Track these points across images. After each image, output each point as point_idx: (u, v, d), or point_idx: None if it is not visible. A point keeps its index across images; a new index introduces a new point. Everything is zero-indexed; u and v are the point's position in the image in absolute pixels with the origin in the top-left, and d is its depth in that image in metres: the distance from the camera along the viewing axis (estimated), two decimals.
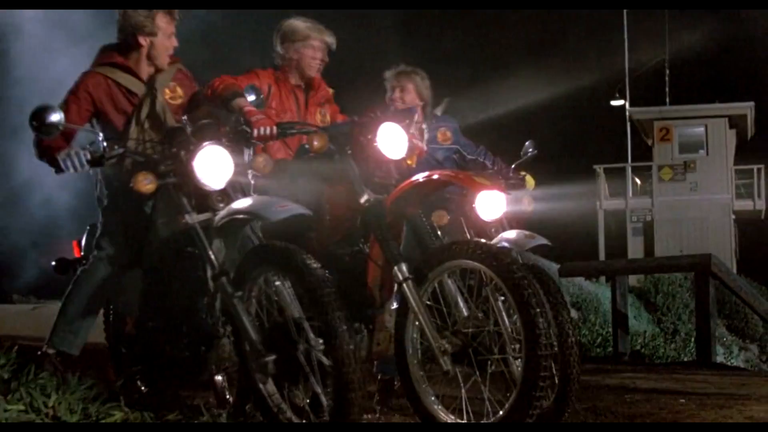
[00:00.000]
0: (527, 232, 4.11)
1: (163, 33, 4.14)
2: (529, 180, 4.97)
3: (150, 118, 4.07)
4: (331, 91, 4.62)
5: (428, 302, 3.41)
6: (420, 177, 3.49)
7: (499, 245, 4.10)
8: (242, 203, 3.33)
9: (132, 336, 3.99)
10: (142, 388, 3.84)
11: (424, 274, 3.41)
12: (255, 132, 3.65)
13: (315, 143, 3.54)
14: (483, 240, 4.31)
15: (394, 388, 4.57)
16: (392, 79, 5.05)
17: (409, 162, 3.86)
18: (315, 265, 3.08)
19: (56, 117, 3.42)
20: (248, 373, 3.28)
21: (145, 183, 3.34)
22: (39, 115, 3.42)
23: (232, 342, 3.36)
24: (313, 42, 4.40)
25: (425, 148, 4.58)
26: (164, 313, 3.66)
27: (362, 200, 3.51)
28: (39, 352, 4.07)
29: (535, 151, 5.00)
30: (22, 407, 2.80)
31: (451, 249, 3.40)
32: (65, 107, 3.98)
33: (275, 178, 3.71)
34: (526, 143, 5.04)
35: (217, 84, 4.08)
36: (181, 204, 3.42)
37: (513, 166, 5.01)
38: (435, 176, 3.47)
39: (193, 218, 3.40)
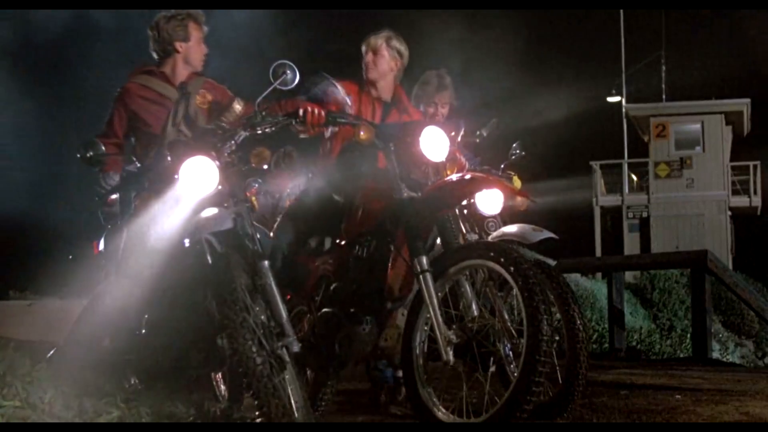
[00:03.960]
0: (533, 226, 4.16)
1: (195, 39, 4.50)
2: (516, 181, 5.02)
3: (185, 120, 4.35)
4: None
5: (441, 306, 3.45)
6: (453, 177, 3.59)
7: (502, 240, 4.15)
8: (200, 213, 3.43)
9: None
10: (138, 384, 3.84)
11: (442, 271, 3.47)
12: (301, 111, 3.73)
13: (362, 134, 3.68)
14: (486, 238, 4.37)
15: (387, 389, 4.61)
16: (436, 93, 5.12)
17: (448, 171, 3.99)
18: (226, 276, 3.18)
19: (94, 150, 4.08)
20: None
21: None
22: (81, 151, 4.08)
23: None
24: (373, 49, 4.58)
25: (466, 164, 4.77)
26: (160, 311, 3.68)
27: (396, 196, 3.60)
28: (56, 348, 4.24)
29: (522, 153, 5.07)
30: (17, 403, 2.80)
31: (464, 249, 3.49)
32: (109, 122, 4.42)
33: (324, 170, 4.03)
34: (514, 144, 5.10)
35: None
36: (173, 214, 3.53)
37: (502, 166, 5.06)
38: (468, 176, 3.56)
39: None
